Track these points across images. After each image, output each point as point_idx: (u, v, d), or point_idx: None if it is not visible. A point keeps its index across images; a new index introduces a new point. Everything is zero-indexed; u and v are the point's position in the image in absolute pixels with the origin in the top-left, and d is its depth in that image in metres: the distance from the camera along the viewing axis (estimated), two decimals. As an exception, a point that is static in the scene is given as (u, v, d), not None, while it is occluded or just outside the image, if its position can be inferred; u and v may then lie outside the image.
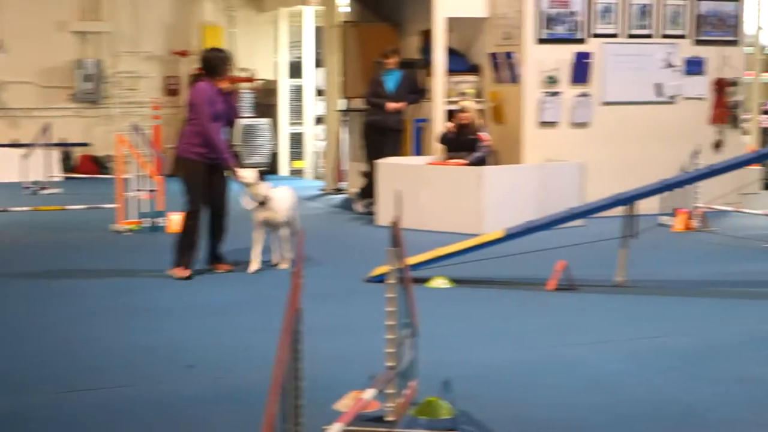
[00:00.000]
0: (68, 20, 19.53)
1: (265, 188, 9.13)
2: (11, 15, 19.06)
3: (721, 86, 13.74)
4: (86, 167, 19.30)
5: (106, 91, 19.76)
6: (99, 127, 19.75)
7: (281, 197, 9.28)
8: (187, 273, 9.02)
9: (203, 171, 9.14)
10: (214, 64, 9.26)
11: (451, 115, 12.89)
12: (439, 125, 13.10)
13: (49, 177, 16.65)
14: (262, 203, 9.08)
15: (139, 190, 12.08)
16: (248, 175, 9.09)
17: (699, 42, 13.66)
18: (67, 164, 19.00)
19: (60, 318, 7.63)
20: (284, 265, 9.23)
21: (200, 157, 9.09)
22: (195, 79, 9.79)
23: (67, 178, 18.08)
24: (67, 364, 6.34)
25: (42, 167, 16.53)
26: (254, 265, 9.21)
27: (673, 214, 12.14)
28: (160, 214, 11.98)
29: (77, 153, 19.57)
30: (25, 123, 19.04)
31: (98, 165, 19.41)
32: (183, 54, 20.09)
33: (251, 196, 9.16)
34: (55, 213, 13.62)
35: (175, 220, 11.78)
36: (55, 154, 17.64)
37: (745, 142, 14.93)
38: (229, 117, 9.44)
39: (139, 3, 19.92)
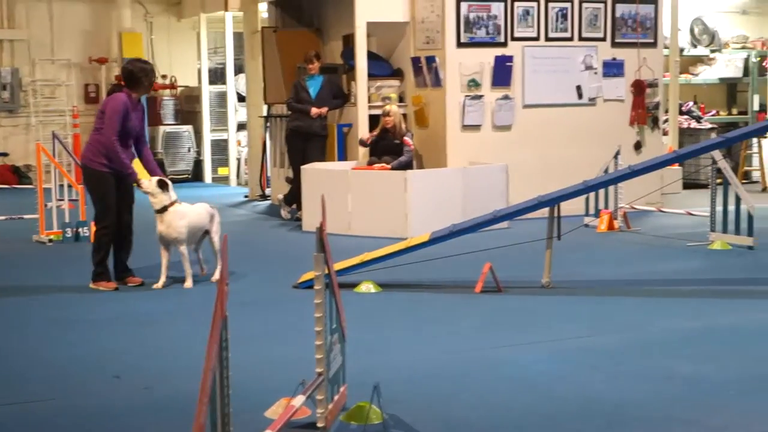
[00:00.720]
0: (-18, 28, 19.30)
1: (165, 199, 8.87)
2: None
3: (640, 88, 13.92)
4: (5, 177, 19.06)
5: (24, 99, 19.54)
6: (17, 136, 19.55)
7: (179, 213, 8.92)
8: (113, 285, 8.88)
9: (111, 181, 8.89)
10: (137, 77, 8.98)
11: (374, 120, 12.92)
12: (363, 130, 13.11)
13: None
14: (159, 212, 8.84)
15: (60, 200, 11.98)
16: (146, 183, 8.86)
17: (617, 44, 13.84)
18: (-14, 175, 18.79)
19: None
20: (188, 283, 8.94)
21: (105, 167, 8.84)
22: (114, 89, 9.47)
23: (-14, 189, 17.85)
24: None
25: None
26: (161, 279, 8.93)
27: (597, 216, 12.28)
28: (84, 224, 11.86)
29: (-5, 163, 19.35)
30: (-60, 134, 18.82)
31: (17, 175, 19.18)
32: (102, 61, 19.95)
33: (152, 205, 8.96)
34: (-27, 225, 13.40)
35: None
36: (-27, 165, 17.40)
37: (665, 143, 15.15)
38: (140, 131, 9.20)
39: (55, 10, 19.71)
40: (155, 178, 8.92)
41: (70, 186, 12.13)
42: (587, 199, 12.25)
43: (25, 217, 12.98)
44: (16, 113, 19.54)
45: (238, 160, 19.09)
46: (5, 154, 19.42)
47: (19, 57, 19.58)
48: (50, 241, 11.63)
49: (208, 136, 19.84)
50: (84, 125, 19.66)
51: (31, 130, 19.46)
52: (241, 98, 18.74)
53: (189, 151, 19.86)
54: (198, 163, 19.95)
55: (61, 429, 5.27)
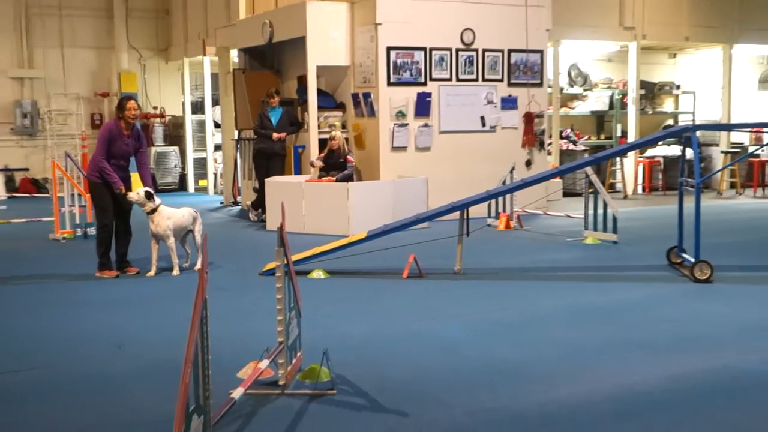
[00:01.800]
0: (7, 68, 19.01)
1: (151, 205, 8.75)
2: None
3: (530, 118, 14.05)
4: (26, 188, 18.81)
5: (41, 125, 19.26)
6: (36, 155, 19.26)
7: (166, 214, 8.86)
8: (114, 273, 8.81)
9: (107, 190, 8.76)
10: (117, 107, 9.02)
11: (323, 142, 12.92)
12: (314, 151, 13.09)
13: (-5, 197, 16.13)
14: (150, 214, 8.77)
15: (71, 206, 11.89)
16: (133, 195, 8.70)
17: (512, 84, 13.94)
18: (11, 186, 18.55)
19: (5, 311, 7.35)
20: (175, 271, 8.88)
21: (99, 179, 8.76)
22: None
23: (11, 197, 17.64)
24: (6, 349, 6.12)
25: (-12, 189, 16.01)
26: (152, 269, 8.88)
27: (497, 217, 12.38)
28: (90, 224, 11.71)
29: (18, 176, 19.03)
30: (-28, 153, 18.47)
31: (36, 186, 18.94)
32: (104, 95, 19.84)
33: (142, 210, 8.85)
34: (1, 226, 13.15)
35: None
36: (0, 178, 17.04)
37: (549, 161, 15.31)
38: (139, 150, 9.06)
39: (67, 54, 19.49)
40: (143, 189, 8.80)
41: (79, 195, 12.00)
42: (489, 205, 12.34)
43: (43, 219, 12.92)
44: (35, 137, 19.25)
45: (215, 174, 18.98)
46: (26, 169, 19.15)
47: (37, 91, 19.29)
48: (63, 239, 11.48)
49: (190, 155, 19.71)
50: (90, 146, 19.40)
51: (48, 150, 19.18)
52: (216, 125, 18.63)
53: (175, 167, 19.73)
54: (183, 177, 19.83)
55: (69, 392, 5.19)
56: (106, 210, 8.82)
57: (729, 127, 15.76)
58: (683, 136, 9.25)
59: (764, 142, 16.76)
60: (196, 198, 18.19)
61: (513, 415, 4.63)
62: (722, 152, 17.81)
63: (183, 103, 19.88)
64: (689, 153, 9.15)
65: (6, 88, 19.02)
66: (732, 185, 18.06)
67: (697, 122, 17.82)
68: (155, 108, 20.16)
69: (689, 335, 6.32)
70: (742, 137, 18.24)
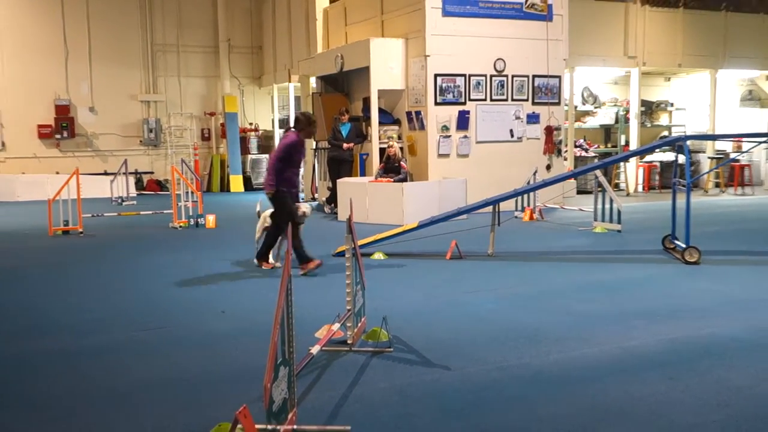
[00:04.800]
0: (137, 93, 19.39)
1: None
2: (100, 90, 18.93)
3: (550, 131, 13.90)
4: (151, 187, 19.18)
5: (163, 138, 19.61)
6: (159, 161, 19.62)
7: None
8: (318, 262, 7.78)
9: (290, 198, 7.81)
10: (304, 122, 7.80)
11: (383, 151, 12.93)
12: (376, 158, 13.12)
13: (128, 194, 16.41)
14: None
15: (186, 201, 12.05)
16: (306, 208, 7.93)
17: (535, 103, 13.79)
18: (139, 185, 18.91)
19: (136, 282, 7.51)
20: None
21: (287, 188, 7.76)
22: (287, 130, 8.16)
23: (139, 194, 17.98)
24: (139, 312, 6.25)
25: (123, 187, 16.31)
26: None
27: (522, 210, 12.27)
28: (201, 216, 11.89)
29: (146, 178, 19.41)
30: (111, 160, 18.87)
31: (159, 185, 19.28)
32: (212, 114, 20.07)
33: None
34: (132, 216, 13.45)
35: (210, 219, 11.74)
36: (131, 179, 17.41)
37: (565, 165, 15.12)
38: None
39: (182, 81, 19.82)
40: (309, 205, 8.16)
41: (192, 192, 12.16)
42: (516, 201, 12.24)
43: (164, 212, 13.11)
44: (158, 147, 19.60)
45: (297, 176, 19.14)
46: (152, 173, 19.50)
47: (160, 111, 19.63)
48: (180, 227, 11.61)
49: (278, 161, 19.87)
50: (202, 155, 19.76)
51: (168, 157, 19.51)
52: (299, 137, 18.77)
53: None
54: (272, 178, 19.99)
55: (187, 345, 5.27)
56: (291, 214, 7.74)
57: (714, 138, 15.42)
58: (676, 144, 9.10)
59: (743, 150, 16.34)
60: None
61: (534, 371, 4.58)
62: (709, 158, 17.49)
63: (272, 120, 20.06)
64: (681, 158, 8.97)
65: (136, 109, 19.40)
66: (717, 185, 17.73)
67: (688, 133, 17.43)
68: (251, 124, 20.36)
69: (681, 307, 6.19)
70: (726, 146, 17.82)
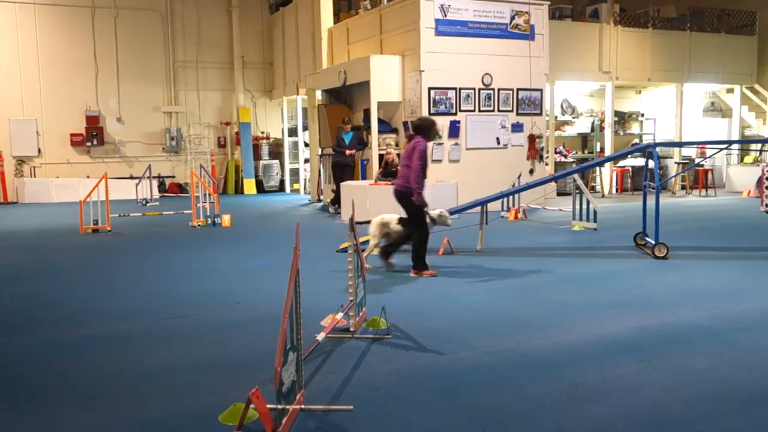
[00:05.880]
0: (160, 105, 19.34)
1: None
2: (127, 102, 18.90)
3: (532, 138, 13.89)
4: (173, 190, 19.14)
5: (183, 145, 19.56)
6: (179, 166, 19.57)
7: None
8: (434, 272, 7.31)
9: (425, 203, 7.41)
10: (425, 127, 7.41)
11: (381, 157, 12.91)
12: (375, 163, 13.10)
13: (152, 196, 16.40)
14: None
15: (204, 203, 12.02)
16: (435, 213, 7.62)
17: (519, 114, 13.78)
18: (162, 188, 18.86)
19: (159, 276, 7.50)
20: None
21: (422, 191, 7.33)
22: (410, 138, 7.59)
23: (162, 196, 17.93)
24: (162, 303, 6.24)
25: (147, 190, 16.31)
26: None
27: (508, 211, 12.26)
28: (217, 216, 11.87)
29: (168, 181, 19.38)
30: (136, 165, 18.82)
31: (180, 188, 19.25)
32: (227, 123, 20.04)
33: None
34: (155, 216, 13.42)
35: (226, 219, 11.72)
36: (155, 183, 17.39)
37: (547, 170, 15.11)
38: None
39: (201, 94, 19.78)
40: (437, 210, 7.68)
41: (209, 194, 12.14)
42: (503, 201, 12.24)
43: (185, 212, 13.08)
44: (179, 153, 19.55)
45: (305, 179, 19.11)
46: (173, 177, 19.46)
47: (180, 121, 19.59)
48: (198, 226, 11.61)
49: (287, 166, 19.86)
50: (218, 161, 19.72)
51: (188, 163, 19.47)
52: (306, 144, 18.74)
53: (276, 174, 19.89)
54: (282, 181, 19.99)
55: (205, 332, 5.27)
56: (425, 221, 7.39)
57: (681, 145, 15.43)
58: (646, 151, 9.08)
59: (707, 155, 16.32)
60: (291, 196, 18.32)
61: (519, 355, 4.58)
62: (676, 163, 17.50)
63: (282, 129, 20.04)
64: (651, 163, 8.97)
65: (159, 120, 19.37)
66: (683, 187, 17.71)
67: (657, 141, 17.43)
68: (262, 132, 20.35)
69: (651, 298, 6.19)
70: (691, 152, 17.83)
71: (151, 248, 9.51)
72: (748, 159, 18.30)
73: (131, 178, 18.00)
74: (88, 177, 17.75)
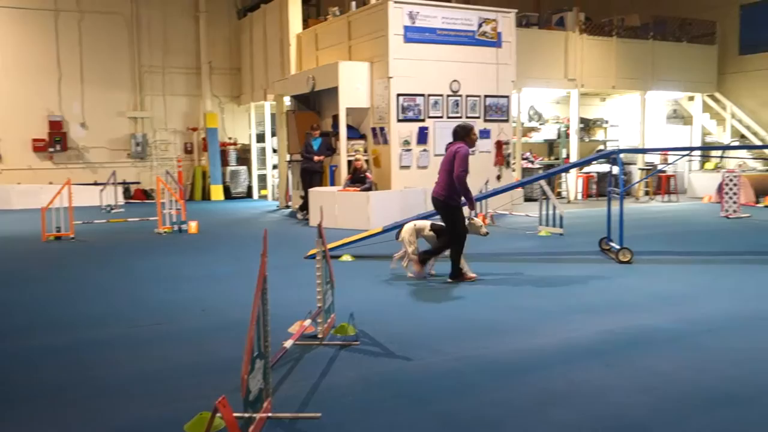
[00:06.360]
0: (125, 110, 19.08)
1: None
2: (91, 107, 18.62)
3: (500, 145, 14.01)
4: (139, 196, 18.87)
5: (149, 151, 19.31)
6: (145, 172, 19.30)
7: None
8: (474, 276, 7.29)
9: (463, 212, 7.31)
10: (465, 132, 7.39)
11: (350, 163, 12.92)
12: (344, 169, 13.09)
13: (116, 202, 16.15)
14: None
15: (170, 209, 11.87)
16: (478, 221, 7.59)
17: (487, 120, 13.90)
18: (127, 194, 18.60)
19: (124, 283, 7.37)
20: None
21: (459, 202, 7.23)
22: (450, 144, 7.50)
23: (127, 203, 17.66)
24: (128, 311, 6.14)
25: (112, 196, 16.05)
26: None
27: (476, 216, 12.31)
28: (184, 222, 11.74)
29: (133, 188, 19.10)
30: (101, 171, 18.50)
31: (146, 195, 18.98)
32: (194, 129, 19.83)
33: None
34: (120, 223, 13.20)
35: (193, 225, 11.59)
36: (120, 189, 17.12)
37: (514, 176, 15.24)
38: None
39: (167, 99, 19.55)
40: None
41: (175, 201, 12.00)
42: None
43: (150, 218, 12.86)
44: (145, 159, 19.29)
45: (273, 185, 19.01)
46: (139, 183, 19.20)
47: (146, 127, 19.34)
48: (165, 232, 11.48)
49: (255, 172, 19.74)
50: (185, 167, 19.50)
51: (154, 169, 19.22)
52: (274, 150, 18.65)
53: (244, 180, 19.74)
54: (249, 188, 19.85)
55: (168, 341, 5.20)
56: (464, 226, 7.29)
57: (644, 151, 15.71)
58: (611, 157, 9.22)
59: (669, 162, 16.65)
60: (259, 203, 18.20)
61: (488, 360, 4.60)
62: (639, 169, 17.76)
63: (250, 135, 19.92)
64: (615, 170, 9.11)
65: (124, 125, 19.10)
66: (646, 193, 18.02)
67: (621, 147, 17.71)
68: (230, 138, 20.19)
69: (615, 302, 6.27)
70: (654, 158, 18.16)
71: (116, 255, 9.35)
72: (709, 165, 18.72)
73: (95, 184, 17.70)
74: (50, 183, 17.38)
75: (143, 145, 19.06)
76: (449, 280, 7.24)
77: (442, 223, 7.45)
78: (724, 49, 19.06)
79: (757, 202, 15.26)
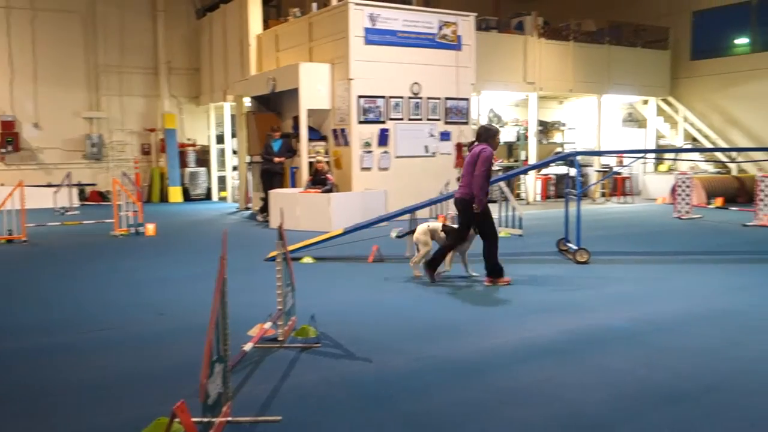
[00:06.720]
0: (80, 110, 18.64)
1: None
2: (45, 106, 18.14)
3: (460, 147, 14.12)
4: (94, 198, 18.46)
5: (105, 152, 18.91)
6: (101, 174, 18.87)
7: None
8: (508, 280, 7.24)
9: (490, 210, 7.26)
10: (489, 134, 7.25)
11: (311, 165, 12.87)
12: (305, 171, 13.04)
13: (71, 204, 15.78)
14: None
15: (127, 211, 11.65)
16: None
17: (447, 122, 13.99)
18: (82, 196, 18.15)
19: (79, 288, 7.22)
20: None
21: (486, 199, 7.19)
22: (471, 144, 7.40)
23: (82, 205, 17.22)
24: (84, 315, 6.01)
25: (66, 198, 15.69)
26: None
27: (436, 218, 12.38)
28: (141, 225, 11.53)
29: (88, 189, 18.68)
30: (55, 172, 18.02)
31: (102, 196, 18.58)
32: (152, 130, 19.48)
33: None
34: (75, 226, 12.90)
35: (150, 228, 11.40)
36: (74, 191, 16.74)
37: (473, 177, 15.35)
38: None
39: (124, 100, 19.16)
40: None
41: (132, 202, 11.79)
42: (431, 209, 12.35)
43: (106, 221, 12.63)
44: (101, 161, 18.89)
45: (233, 187, 18.80)
46: (94, 184, 18.79)
47: (102, 128, 18.93)
48: (121, 235, 11.27)
49: (215, 174, 19.49)
50: (142, 168, 19.17)
51: (110, 170, 18.83)
52: (234, 152, 18.47)
53: (204, 182, 19.48)
54: (209, 189, 19.60)
55: (128, 345, 5.11)
56: (493, 224, 7.24)
57: (600, 153, 15.99)
58: (568, 159, 9.36)
59: (625, 164, 17.02)
60: (218, 205, 17.98)
61: (448, 360, 4.64)
62: (596, 171, 18.09)
63: (209, 136, 19.67)
64: (573, 172, 9.26)
65: (80, 126, 18.67)
66: (603, 194, 18.35)
67: (579, 150, 18.03)
68: (189, 139, 19.92)
69: (572, 302, 6.38)
70: (610, 160, 18.52)
71: (71, 259, 9.15)
72: (663, 167, 19.18)
73: (49, 186, 17.26)
74: (2, 185, 16.89)
75: (99, 146, 18.67)
76: (486, 282, 7.16)
77: (452, 225, 7.56)
78: (676, 55, 19.57)
79: (709, 204, 15.69)
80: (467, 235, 7.30)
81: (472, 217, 7.17)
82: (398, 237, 8.28)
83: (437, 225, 7.71)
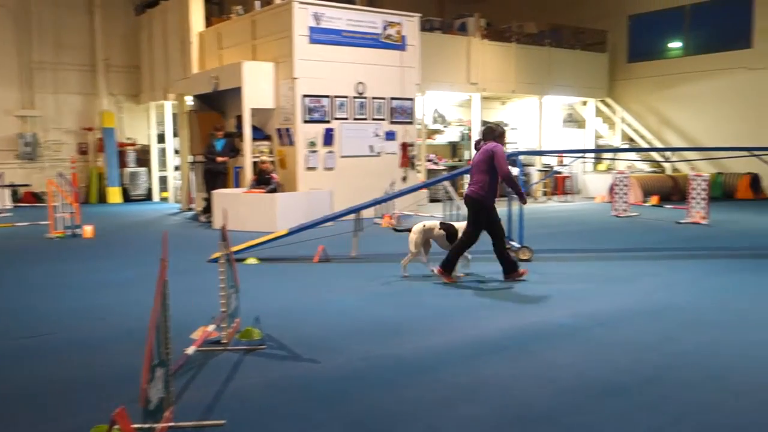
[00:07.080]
0: (13, 108, 17.94)
1: None
2: (-26, 105, 17.39)
3: (405, 146, 14.18)
4: (28, 199, 17.78)
5: (40, 152, 18.24)
6: (36, 174, 18.18)
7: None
8: (524, 271, 7.34)
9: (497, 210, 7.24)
10: (498, 133, 7.22)
11: (255, 164, 12.71)
12: (249, 171, 12.86)
13: (3, 206, 15.16)
14: None
15: (63, 213, 11.26)
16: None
17: (392, 122, 14.04)
18: (15, 197, 17.44)
19: (12, 292, 6.92)
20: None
21: (494, 198, 7.15)
22: (478, 143, 7.36)
23: (16, 206, 16.56)
24: (19, 321, 5.76)
25: (-2, 200, 15.09)
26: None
27: (382, 217, 12.42)
28: (78, 227, 11.16)
29: (22, 190, 17.98)
30: (-15, 173, 17.35)
31: (36, 198, 17.91)
32: (89, 129, 18.88)
33: None
34: (8, 228, 12.39)
35: (88, 230, 11.05)
36: (7, 192, 16.10)
37: (418, 177, 15.46)
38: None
39: (60, 98, 18.52)
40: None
41: (69, 204, 11.40)
42: (376, 208, 12.39)
43: (41, 223, 12.17)
44: (35, 161, 18.21)
45: (174, 187, 18.40)
46: (28, 185, 18.11)
47: (37, 126, 18.26)
48: (57, 237, 10.88)
49: (156, 174, 19.04)
50: (79, 168, 18.56)
51: (45, 170, 18.16)
52: (176, 151, 18.08)
53: (144, 182, 19.02)
54: (149, 190, 19.13)
55: (68, 351, 4.93)
56: (501, 226, 7.26)
57: (542, 153, 16.33)
58: (511, 159, 9.50)
59: (565, 163, 17.40)
60: (160, 205, 17.57)
61: (395, 359, 4.63)
62: (537, 170, 18.44)
63: (150, 135, 19.21)
64: (515, 171, 9.39)
65: (12, 124, 17.96)
66: (544, 193, 18.72)
67: (521, 150, 18.36)
68: (129, 139, 19.40)
69: (516, 299, 6.47)
70: (551, 160, 18.91)
71: (3, 262, 8.78)
72: (601, 167, 19.70)
73: (-21, 187, 16.57)
74: (-72, 186, 16.13)
75: (33, 146, 18.00)
76: (505, 278, 7.20)
77: (451, 222, 7.58)
78: (614, 57, 20.13)
79: (645, 202, 16.19)
80: (479, 235, 7.22)
81: (484, 216, 7.14)
82: (398, 231, 8.33)
83: (433, 223, 7.66)
